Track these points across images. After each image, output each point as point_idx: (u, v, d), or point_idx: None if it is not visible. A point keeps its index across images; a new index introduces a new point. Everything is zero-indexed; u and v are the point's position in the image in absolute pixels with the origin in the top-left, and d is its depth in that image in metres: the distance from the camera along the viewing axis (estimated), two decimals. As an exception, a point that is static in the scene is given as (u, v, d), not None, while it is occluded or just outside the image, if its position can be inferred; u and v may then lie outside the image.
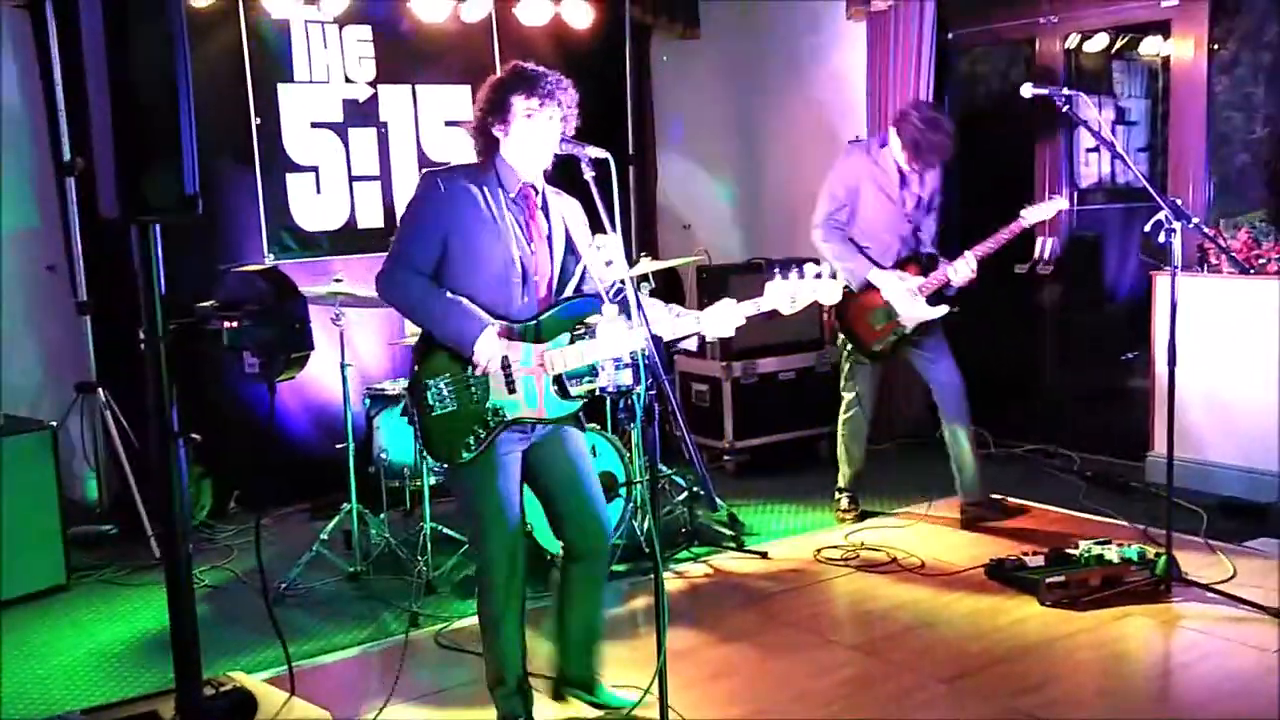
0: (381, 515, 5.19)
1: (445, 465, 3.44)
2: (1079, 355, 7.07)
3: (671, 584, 4.88)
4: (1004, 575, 4.71)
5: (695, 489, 5.46)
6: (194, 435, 2.19)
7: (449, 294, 3.30)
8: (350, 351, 5.08)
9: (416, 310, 3.38)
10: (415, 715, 3.79)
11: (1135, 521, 5.31)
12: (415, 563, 4.83)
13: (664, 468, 5.39)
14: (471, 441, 3.32)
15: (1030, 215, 5.05)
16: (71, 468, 5.69)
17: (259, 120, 6.09)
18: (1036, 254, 6.66)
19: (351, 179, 6.41)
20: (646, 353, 3.07)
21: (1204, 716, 3.63)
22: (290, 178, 6.22)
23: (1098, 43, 6.86)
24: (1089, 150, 7.37)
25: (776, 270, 3.40)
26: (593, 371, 3.34)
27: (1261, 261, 5.55)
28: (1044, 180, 6.84)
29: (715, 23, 7.85)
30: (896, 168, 5.28)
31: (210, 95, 5.70)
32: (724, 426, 6.60)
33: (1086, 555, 4.65)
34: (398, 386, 5.33)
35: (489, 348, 3.25)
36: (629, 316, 3.13)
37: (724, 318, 3.39)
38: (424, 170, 6.30)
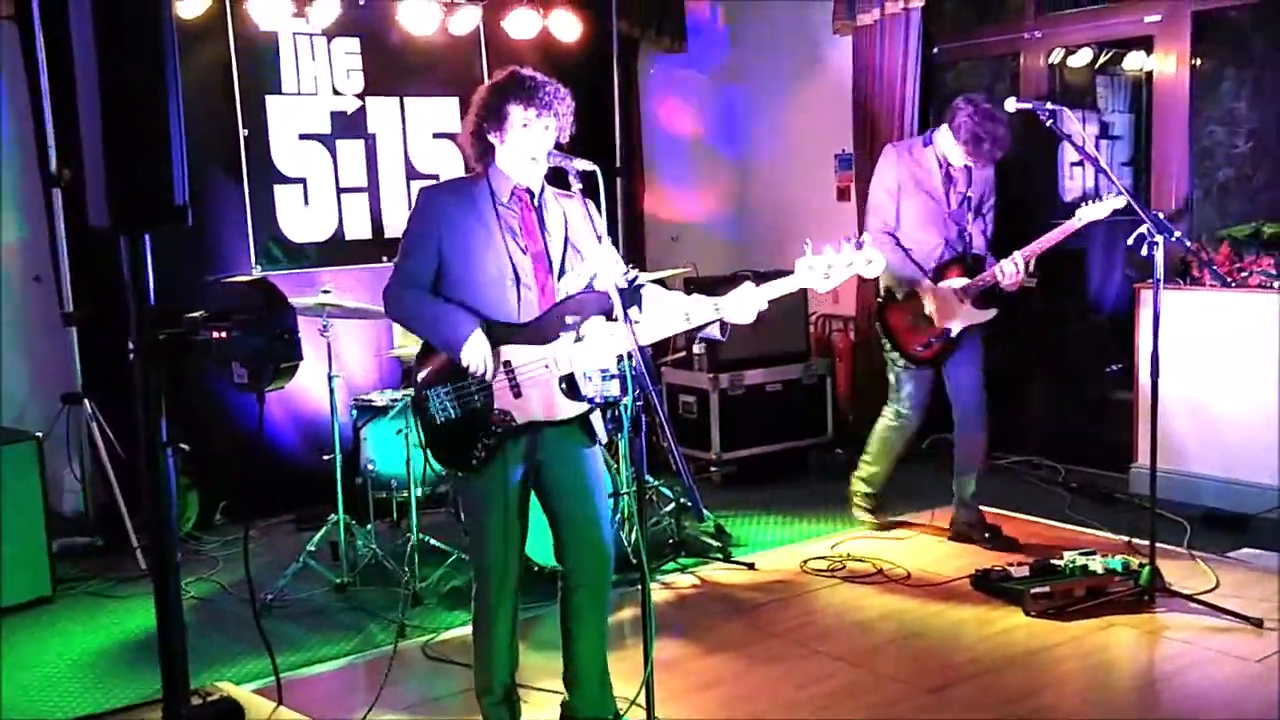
0: (368, 526, 5.19)
1: (457, 473, 3.41)
2: (1063, 367, 7.11)
3: (658, 595, 4.88)
4: (989, 586, 4.73)
5: (682, 500, 5.46)
6: (182, 445, 2.18)
7: (441, 301, 3.31)
8: (337, 363, 5.08)
9: (413, 321, 3.41)
10: (402, 726, 3.79)
11: (1119, 532, 5.34)
12: (402, 574, 4.83)
13: (651, 479, 5.40)
14: (479, 449, 3.31)
15: (1086, 214, 4.87)
16: (57, 479, 5.66)
17: (247, 131, 6.10)
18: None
19: (339, 190, 6.41)
20: (634, 363, 3.06)
21: (1188, 726, 3.66)
22: (278, 189, 6.22)
23: (1081, 58, 6.91)
24: (1073, 164, 7.42)
25: (807, 242, 3.18)
26: (603, 371, 3.31)
27: (1244, 275, 5.60)
28: (1028, 193, 6.88)
29: (702, 36, 7.90)
30: (942, 166, 5.13)
31: (198, 106, 5.68)
32: (711, 438, 6.61)
33: (1071, 566, 4.68)
34: (385, 398, 5.34)
35: (477, 349, 3.25)
36: (627, 317, 3.07)
37: (745, 302, 3.25)
38: (415, 187, 6.31)
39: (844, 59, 7.24)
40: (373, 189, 6.52)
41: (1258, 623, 4.25)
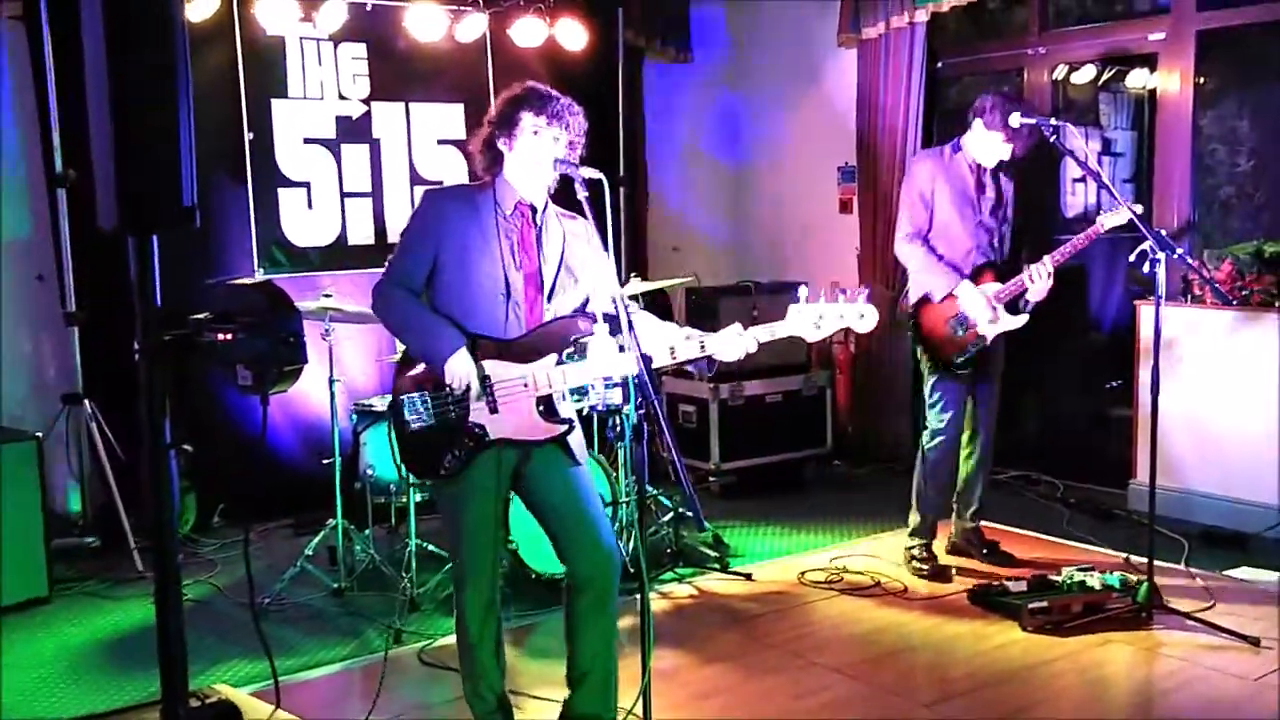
0: (366, 531, 5.19)
1: (425, 481, 3.41)
2: (1063, 383, 7.12)
3: (656, 605, 4.88)
4: (987, 600, 4.73)
5: (681, 510, 5.47)
6: (185, 447, 2.19)
7: (432, 311, 3.31)
8: (339, 367, 5.09)
9: (397, 325, 3.40)
10: (398, 732, 3.79)
11: (1118, 549, 5.34)
12: (400, 579, 4.83)
13: (650, 488, 5.40)
14: (449, 459, 3.30)
15: (1107, 220, 4.82)
16: (55, 479, 5.66)
17: (252, 135, 6.11)
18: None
19: (343, 195, 6.43)
20: (636, 372, 3.07)
21: (1184, 743, 3.66)
22: (282, 193, 6.24)
23: (1085, 74, 6.93)
24: (1075, 180, 7.44)
25: (801, 290, 3.23)
26: (581, 391, 3.33)
27: (1245, 293, 5.60)
28: (1030, 208, 6.88)
29: (707, 47, 7.92)
30: (974, 172, 5.03)
31: (204, 109, 5.64)
32: (710, 448, 6.62)
33: (1069, 582, 4.68)
34: (385, 402, 5.33)
35: (460, 367, 3.25)
36: (621, 335, 3.11)
37: (731, 343, 3.29)
38: (419, 193, 6.32)
39: (848, 72, 7.26)
40: (376, 194, 6.53)
41: (1255, 641, 4.25)
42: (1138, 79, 7.10)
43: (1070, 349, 7.17)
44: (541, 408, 3.34)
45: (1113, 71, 7.09)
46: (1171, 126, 6.16)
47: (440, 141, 6.72)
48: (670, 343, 3.32)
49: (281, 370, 2.38)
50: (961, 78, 7.37)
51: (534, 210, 3.41)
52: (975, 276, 4.99)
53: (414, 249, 3.35)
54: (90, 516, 5.76)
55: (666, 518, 5.46)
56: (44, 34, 5.50)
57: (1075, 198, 7.51)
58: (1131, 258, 4.48)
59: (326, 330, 4.98)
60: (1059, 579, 4.72)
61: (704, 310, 6.79)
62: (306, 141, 6.29)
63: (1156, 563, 4.57)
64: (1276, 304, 5.50)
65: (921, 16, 6.70)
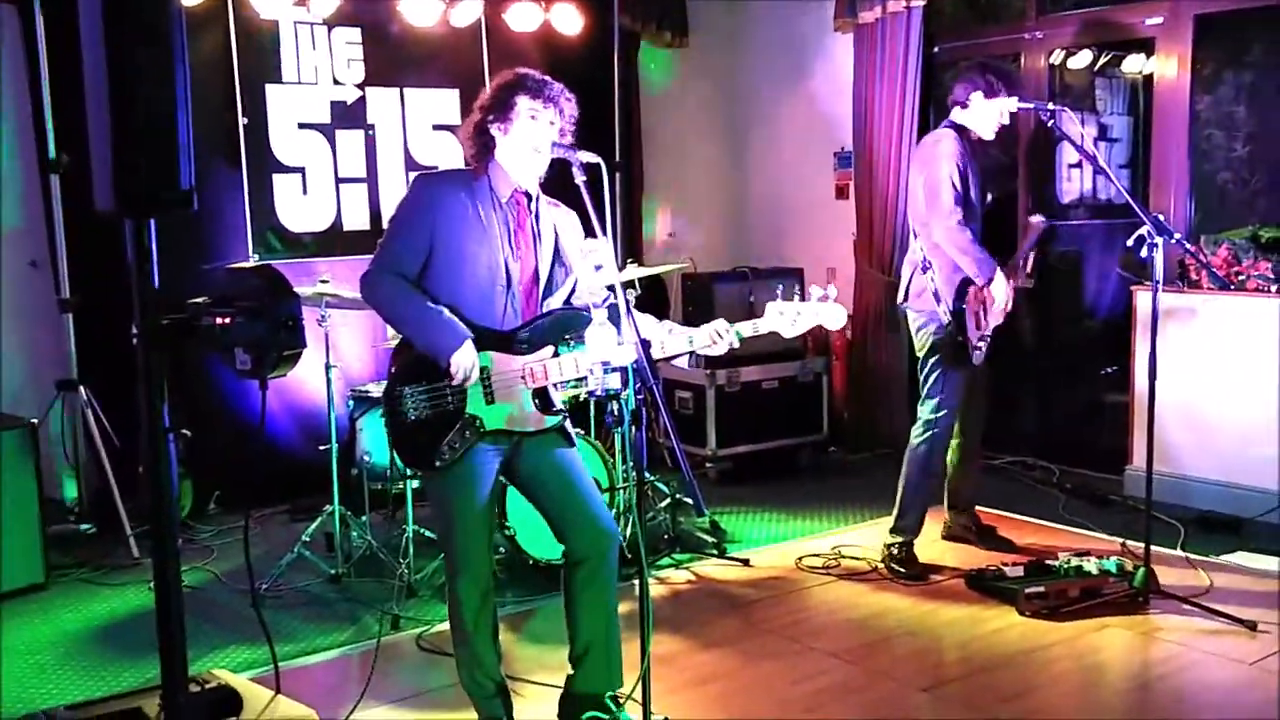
0: (363, 518, 5.18)
1: (419, 472, 3.40)
2: (1059, 369, 7.13)
3: (654, 590, 4.88)
4: (984, 585, 4.74)
5: (678, 495, 5.47)
6: (184, 431, 2.17)
7: (430, 301, 3.28)
8: (335, 353, 5.07)
9: (396, 315, 3.35)
10: (396, 718, 3.79)
11: (1114, 534, 5.36)
12: (397, 565, 4.83)
13: (647, 474, 5.39)
14: (445, 451, 3.29)
15: (1034, 218, 4.88)
16: (51, 466, 5.65)
17: (246, 120, 6.09)
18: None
19: (338, 181, 6.41)
20: (635, 357, 3.07)
21: (1181, 727, 3.67)
22: (277, 178, 6.21)
23: (1081, 59, 6.92)
24: (1071, 166, 7.43)
25: (778, 288, 3.34)
26: (579, 378, 3.33)
27: (1241, 278, 5.61)
28: (1027, 193, 6.89)
29: (704, 32, 7.90)
30: (975, 151, 4.90)
31: (198, 94, 5.61)
32: (707, 434, 6.62)
33: (1065, 566, 4.69)
34: (382, 389, 5.32)
35: (466, 360, 3.23)
36: (617, 324, 3.12)
37: (715, 338, 3.34)
38: (416, 174, 6.32)
39: (844, 57, 7.24)
40: (371, 180, 6.51)
41: (1251, 625, 4.26)
42: (1134, 64, 7.09)
43: (1066, 335, 7.18)
44: (537, 399, 3.34)
45: (1109, 56, 7.09)
46: (1168, 111, 6.15)
47: (435, 127, 6.69)
48: (659, 338, 3.35)
49: (281, 354, 2.36)
50: (958, 63, 7.29)
51: (529, 198, 3.40)
52: None
53: (407, 236, 3.31)
54: (86, 503, 5.75)
55: (664, 503, 5.46)
56: (36, 18, 5.46)
57: (1071, 183, 7.50)
58: (1129, 242, 4.48)
59: (322, 316, 4.96)
60: (1056, 564, 4.73)
61: (700, 296, 6.79)
62: (301, 127, 6.27)
63: (1153, 548, 4.59)
64: (1273, 289, 5.50)
65: (918, 1, 6.68)
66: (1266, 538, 5.27)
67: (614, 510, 5.05)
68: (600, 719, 3.46)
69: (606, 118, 7.27)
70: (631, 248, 7.35)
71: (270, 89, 6.15)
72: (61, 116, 5.50)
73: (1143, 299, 5.79)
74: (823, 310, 3.35)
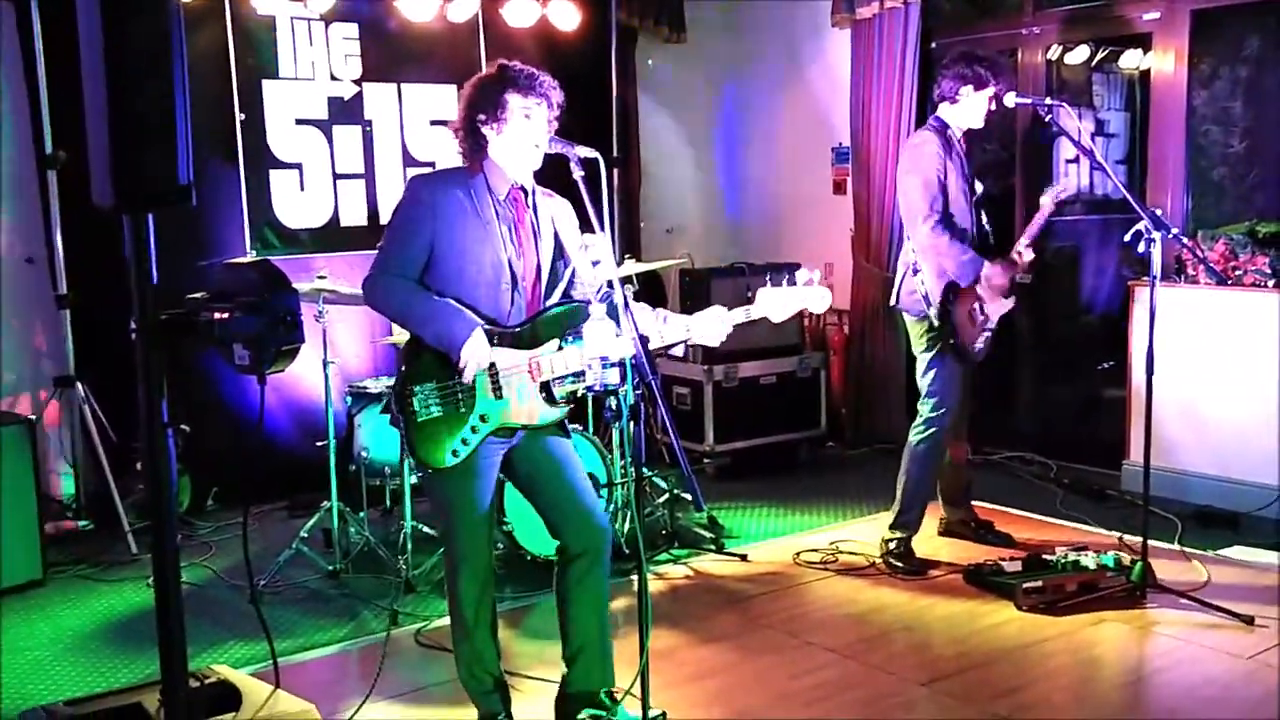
0: (361, 513, 5.18)
1: (431, 471, 3.39)
2: (1057, 364, 7.13)
3: (652, 585, 4.88)
4: (982, 580, 4.74)
5: (676, 491, 5.47)
6: (183, 426, 2.17)
7: (435, 296, 3.27)
8: (332, 349, 5.07)
9: (403, 314, 3.35)
10: (395, 713, 3.79)
11: (1111, 529, 5.37)
12: (395, 561, 4.83)
13: (645, 470, 5.39)
14: (458, 448, 3.29)
15: (1045, 198, 4.85)
16: (48, 462, 5.64)
17: (243, 116, 6.08)
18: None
19: (335, 177, 6.40)
20: (633, 352, 3.07)
21: (1178, 721, 3.68)
22: (274, 174, 6.20)
23: (1079, 55, 6.92)
24: (1068, 161, 7.44)
25: (767, 277, 3.35)
26: (578, 373, 3.33)
27: (1238, 273, 5.61)
28: (1024, 189, 6.90)
29: (701, 27, 7.89)
30: (962, 148, 4.91)
31: (195, 90, 5.61)
32: (705, 430, 6.62)
33: (1063, 561, 4.69)
34: (379, 384, 5.33)
35: (477, 350, 3.22)
36: (616, 318, 3.13)
37: (713, 325, 3.36)
38: (411, 175, 6.30)
39: (842, 52, 7.24)
40: (369, 176, 6.50)
41: (1248, 620, 4.27)
42: (1132, 59, 7.10)
43: (1064, 330, 7.18)
44: (543, 394, 3.34)
45: (1106, 51, 7.09)
46: (1165, 107, 6.15)
47: (433, 122, 6.68)
48: (657, 328, 3.35)
49: (279, 349, 2.36)
50: (947, 56, 7.35)
51: (526, 193, 3.40)
52: None
53: (407, 238, 3.29)
54: (83, 499, 5.75)
55: (662, 499, 5.46)
56: (33, 13, 5.46)
57: (1068, 179, 7.50)
58: (1126, 237, 4.48)
59: (320, 312, 4.96)
60: (1053, 559, 4.73)
61: (697, 291, 6.79)
62: (298, 122, 6.26)
63: (1150, 542, 4.60)
64: (1270, 284, 5.51)
65: (915, -4, 6.68)
66: (1263, 532, 5.28)
67: (612, 506, 5.05)
68: (598, 715, 3.46)
69: (604, 113, 7.27)
70: (629, 243, 7.35)
71: (267, 84, 6.14)
72: (58, 112, 5.49)
73: (1140, 294, 5.79)
74: (808, 293, 3.36)
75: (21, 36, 5.58)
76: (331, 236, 6.37)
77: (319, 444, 5.13)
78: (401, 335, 5.45)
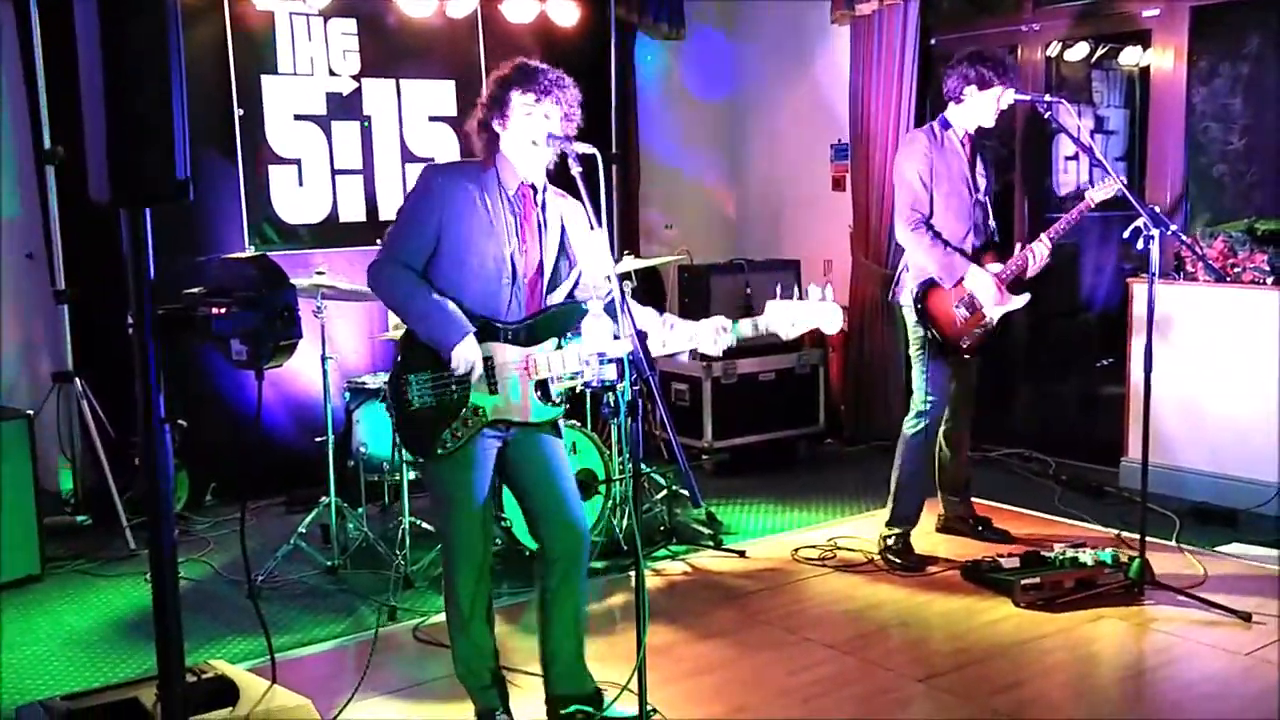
0: (360, 509, 5.18)
1: (421, 459, 3.42)
2: (1055, 361, 7.13)
3: (650, 582, 4.89)
4: (979, 577, 4.75)
5: (674, 487, 5.47)
6: (180, 422, 2.18)
7: (435, 293, 3.29)
8: (331, 345, 5.07)
9: (400, 305, 3.37)
10: (393, 708, 3.79)
11: (1109, 525, 5.37)
12: (393, 557, 4.82)
13: (644, 466, 5.40)
14: (448, 439, 3.31)
15: (1096, 194, 4.79)
16: (46, 458, 5.64)
17: (242, 111, 6.07)
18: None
19: (334, 172, 6.39)
20: (631, 349, 3.07)
21: (1175, 718, 3.67)
22: (272, 170, 6.20)
23: (1078, 51, 6.92)
24: (1068, 158, 7.44)
25: (777, 287, 3.29)
26: (575, 375, 3.33)
27: (1237, 270, 5.61)
28: (1023, 186, 6.90)
29: (700, 23, 7.88)
30: (966, 147, 4.93)
31: (193, 85, 5.62)
32: (703, 426, 6.62)
33: (1061, 558, 4.70)
34: (378, 380, 5.33)
35: (467, 354, 3.25)
36: (615, 317, 3.12)
37: (715, 336, 3.31)
38: (410, 170, 6.29)
39: (841, 49, 7.24)
40: (368, 171, 6.49)
41: (1246, 617, 4.27)
42: (1131, 56, 7.09)
43: (1062, 327, 7.18)
44: (539, 392, 3.35)
45: (1106, 48, 7.08)
46: (1164, 104, 6.15)
47: (432, 118, 6.68)
48: (661, 335, 3.34)
49: (276, 344, 2.36)
50: (954, 55, 7.34)
51: (535, 191, 3.41)
52: (977, 258, 4.92)
53: (414, 226, 3.33)
54: (82, 495, 5.75)
55: (660, 495, 5.46)
56: (31, 9, 5.45)
57: (1068, 175, 7.51)
58: (1125, 234, 4.47)
59: (319, 308, 4.96)
60: (1051, 555, 4.73)
61: (696, 288, 6.79)
62: (297, 118, 6.25)
63: (1148, 539, 4.60)
64: (1269, 281, 5.51)
65: (915, -8, 6.68)
66: (1261, 529, 5.29)
67: (610, 502, 5.05)
68: (585, 711, 3.50)
69: (603, 109, 7.26)
70: (628, 239, 7.35)
71: (266, 80, 6.13)
72: (57, 108, 5.48)
73: (1139, 291, 5.79)
74: (820, 311, 3.26)
75: (20, 33, 5.58)
76: (330, 232, 6.37)
77: (318, 440, 5.13)
78: (400, 330, 5.47)
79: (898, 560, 4.99)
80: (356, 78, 6.41)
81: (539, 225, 3.40)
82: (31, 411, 5.16)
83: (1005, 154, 6.90)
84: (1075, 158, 7.39)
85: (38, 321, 5.81)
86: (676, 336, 3.34)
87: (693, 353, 3.41)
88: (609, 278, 3.12)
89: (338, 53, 6.35)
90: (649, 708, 3.38)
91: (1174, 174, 6.13)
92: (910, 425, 5.01)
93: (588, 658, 3.58)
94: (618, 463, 5.12)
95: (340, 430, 5.24)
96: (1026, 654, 4.11)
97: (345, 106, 6.39)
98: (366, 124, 6.47)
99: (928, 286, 4.90)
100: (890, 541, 5.04)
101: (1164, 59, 6.11)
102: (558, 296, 3.47)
